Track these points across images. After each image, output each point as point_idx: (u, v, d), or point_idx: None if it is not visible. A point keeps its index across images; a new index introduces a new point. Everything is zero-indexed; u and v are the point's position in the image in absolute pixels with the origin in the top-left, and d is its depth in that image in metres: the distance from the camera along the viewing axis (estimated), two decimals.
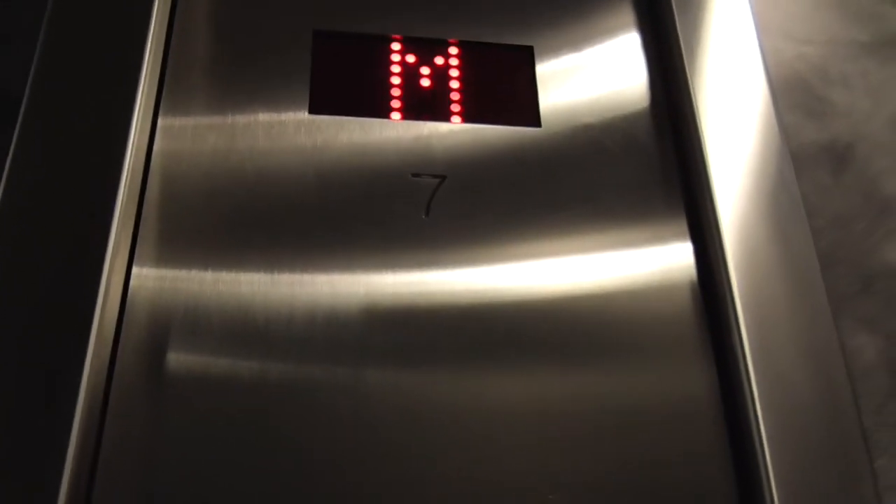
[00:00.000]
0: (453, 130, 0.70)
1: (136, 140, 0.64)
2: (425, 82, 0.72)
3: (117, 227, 0.60)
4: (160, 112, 0.67)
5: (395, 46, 0.73)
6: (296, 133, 0.68)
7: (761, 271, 0.65)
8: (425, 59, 0.73)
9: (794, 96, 0.87)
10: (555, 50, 0.75)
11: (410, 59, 0.73)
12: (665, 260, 0.67)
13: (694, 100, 0.72)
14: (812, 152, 0.85)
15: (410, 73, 0.72)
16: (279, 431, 0.57)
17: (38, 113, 0.64)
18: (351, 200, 0.66)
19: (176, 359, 0.59)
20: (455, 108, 0.71)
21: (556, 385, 0.62)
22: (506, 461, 0.59)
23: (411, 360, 0.61)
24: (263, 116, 0.69)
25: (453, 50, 0.74)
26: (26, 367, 0.55)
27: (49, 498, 0.51)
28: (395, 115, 0.70)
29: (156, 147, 0.66)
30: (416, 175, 0.68)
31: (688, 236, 0.68)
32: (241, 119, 0.68)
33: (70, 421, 0.53)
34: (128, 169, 0.62)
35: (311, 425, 0.58)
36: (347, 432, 0.58)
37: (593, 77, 0.75)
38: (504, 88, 0.74)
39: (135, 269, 0.61)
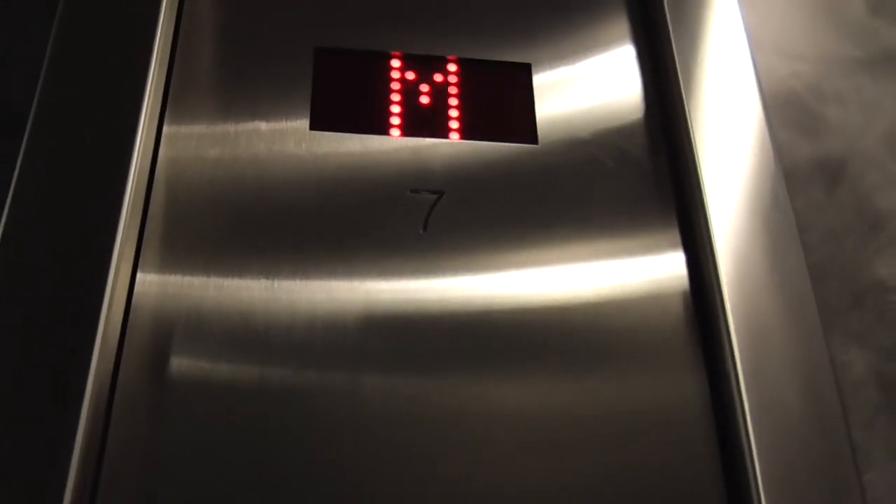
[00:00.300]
0: (452, 147, 0.71)
1: (141, 148, 0.65)
2: (424, 99, 0.73)
3: (122, 234, 0.61)
4: (165, 121, 0.69)
5: (395, 63, 0.74)
6: (297, 147, 0.69)
7: (753, 284, 0.66)
8: (425, 76, 0.74)
9: (787, 113, 0.88)
10: (552, 67, 0.76)
11: (410, 75, 0.74)
12: (658, 271, 0.68)
13: (688, 116, 0.73)
14: (805, 168, 0.86)
15: (410, 90, 0.73)
16: (279, 436, 0.58)
17: (45, 122, 0.65)
18: (350, 213, 0.67)
19: (178, 364, 0.60)
20: (454, 124, 0.72)
21: (551, 392, 0.63)
22: (502, 466, 0.60)
23: (409, 367, 0.62)
24: (266, 129, 0.70)
25: (452, 67, 0.75)
26: (32, 371, 0.56)
27: (54, 501, 0.52)
28: (395, 132, 0.71)
29: (160, 155, 0.67)
30: (414, 191, 0.69)
31: (681, 248, 0.69)
32: (244, 130, 0.69)
33: (75, 425, 0.54)
34: (133, 176, 0.63)
35: (311, 430, 0.59)
36: (346, 437, 0.59)
37: (590, 94, 0.76)
38: (502, 105, 0.75)
39: (139, 275, 0.62)
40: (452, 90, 0.74)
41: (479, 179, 0.70)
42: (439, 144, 0.71)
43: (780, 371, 0.63)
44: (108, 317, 0.58)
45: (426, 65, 0.75)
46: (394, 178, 0.69)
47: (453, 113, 0.73)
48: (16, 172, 0.62)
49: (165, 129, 0.68)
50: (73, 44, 0.68)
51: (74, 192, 0.62)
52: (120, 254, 0.60)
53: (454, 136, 0.72)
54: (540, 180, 0.71)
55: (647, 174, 0.72)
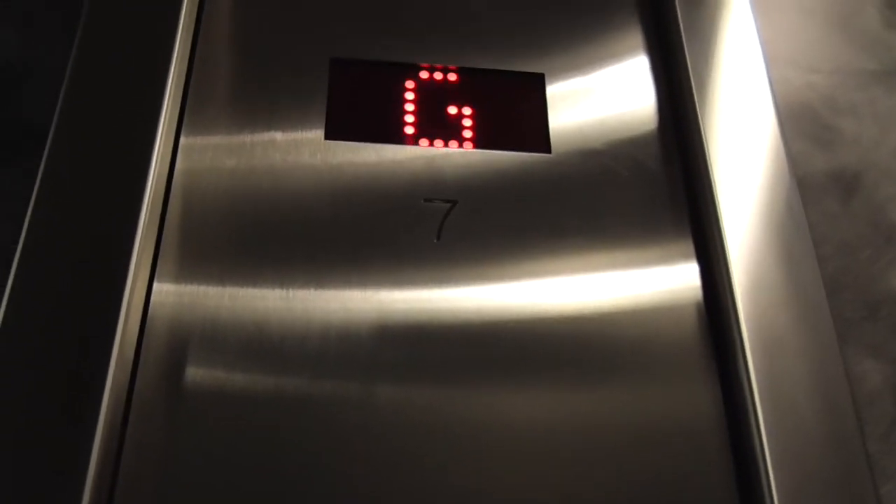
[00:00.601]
0: (465, 156, 0.72)
1: (158, 159, 0.65)
2: (438, 109, 0.74)
3: (139, 244, 0.62)
4: (182, 132, 0.69)
5: (410, 74, 0.75)
6: (312, 157, 0.70)
7: (767, 296, 0.66)
8: (438, 87, 0.75)
9: (802, 125, 0.88)
10: (565, 77, 0.76)
11: (424, 86, 0.75)
12: (672, 282, 0.68)
13: (702, 127, 0.73)
14: (820, 180, 0.86)
15: (424, 100, 0.74)
16: (293, 445, 0.58)
17: (66, 135, 0.66)
18: (364, 223, 0.67)
19: (194, 373, 0.60)
20: (467, 133, 0.73)
21: (563, 402, 0.62)
22: (514, 476, 0.59)
23: (422, 377, 0.62)
24: (281, 139, 0.70)
25: (466, 77, 0.76)
26: (49, 379, 0.56)
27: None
28: (409, 141, 0.72)
29: (177, 166, 0.68)
30: (427, 200, 0.69)
31: (695, 259, 0.69)
32: (260, 140, 0.70)
33: (92, 433, 0.54)
34: (150, 187, 0.64)
35: (325, 439, 0.59)
36: (359, 446, 0.59)
37: (603, 104, 0.76)
38: (515, 115, 0.75)
39: (156, 285, 0.63)
40: (466, 100, 0.74)
41: (492, 189, 0.70)
42: (453, 154, 0.72)
43: (794, 383, 0.63)
44: (125, 326, 0.59)
45: (440, 75, 0.76)
46: (407, 187, 0.70)
47: (467, 122, 0.73)
48: (36, 184, 0.63)
49: (182, 140, 0.69)
50: (94, 57, 0.69)
51: (93, 202, 0.63)
52: (137, 264, 0.61)
53: (468, 146, 0.72)
54: (553, 190, 0.71)
55: (661, 185, 0.72)
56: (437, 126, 0.73)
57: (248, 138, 0.70)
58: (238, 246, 0.65)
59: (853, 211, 0.84)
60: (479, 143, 0.72)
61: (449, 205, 0.69)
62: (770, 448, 0.60)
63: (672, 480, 0.61)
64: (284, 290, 0.64)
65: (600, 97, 0.76)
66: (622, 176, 0.72)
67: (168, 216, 0.66)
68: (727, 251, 0.67)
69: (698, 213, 0.71)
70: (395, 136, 0.72)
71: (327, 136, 0.71)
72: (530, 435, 0.61)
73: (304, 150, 0.70)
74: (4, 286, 0.59)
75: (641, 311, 0.66)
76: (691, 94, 0.74)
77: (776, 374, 0.63)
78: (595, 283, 0.67)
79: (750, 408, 0.61)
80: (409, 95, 0.74)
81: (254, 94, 0.72)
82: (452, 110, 0.74)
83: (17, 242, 0.61)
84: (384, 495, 0.58)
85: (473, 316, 0.65)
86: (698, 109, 0.74)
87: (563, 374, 0.63)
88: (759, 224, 0.69)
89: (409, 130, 0.72)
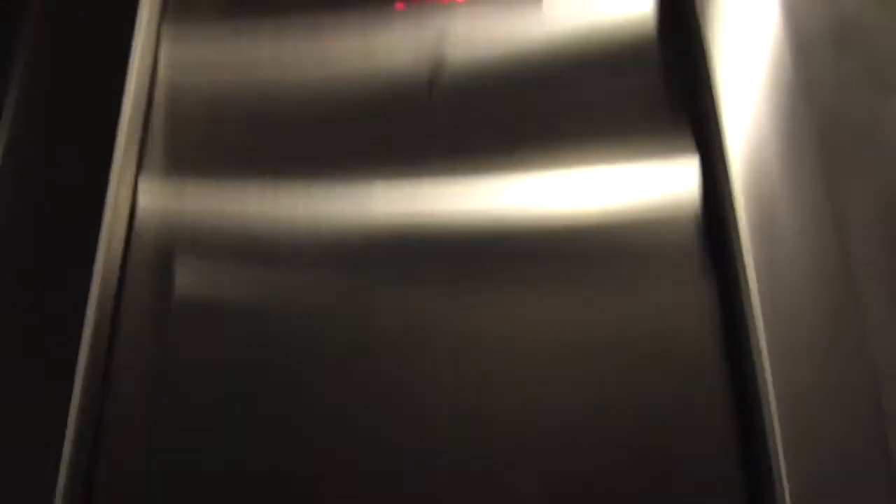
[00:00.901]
0: (456, 16, 0.67)
1: (140, 48, 0.64)
2: None
3: (124, 141, 0.61)
4: (164, 20, 0.67)
5: None
6: (301, 37, 0.67)
7: (768, 190, 0.61)
8: None
9: None
10: None
11: None
12: (669, 177, 0.64)
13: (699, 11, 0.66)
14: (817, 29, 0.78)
15: None
16: (281, 352, 0.59)
17: (48, 29, 0.65)
18: (353, 110, 0.65)
19: (181, 283, 0.61)
20: None
21: (557, 305, 0.61)
22: (506, 383, 0.59)
23: (411, 278, 0.61)
24: (268, 21, 0.67)
25: None
26: (37, 291, 0.58)
27: (59, 414, 0.55)
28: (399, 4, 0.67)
29: (161, 57, 0.66)
30: (421, 72, 0.65)
31: (694, 151, 0.64)
32: (246, 27, 0.67)
33: (78, 341, 0.57)
34: (132, 79, 0.63)
35: (314, 344, 0.59)
36: (350, 350, 0.59)
37: None
38: None
39: (141, 184, 0.63)
40: None
41: (483, 50, 0.66)
42: (443, 12, 0.66)
43: (794, 282, 0.59)
44: (110, 232, 0.60)
45: None
46: (398, 54, 0.66)
47: None
48: (20, 77, 0.63)
49: (164, 27, 0.67)
50: None
51: (77, 101, 0.63)
52: (123, 163, 0.61)
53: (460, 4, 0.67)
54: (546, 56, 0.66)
55: (659, 70, 0.66)
56: None
57: (234, 24, 0.67)
58: (226, 138, 0.64)
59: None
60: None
61: (437, 66, 0.65)
62: (769, 347, 0.56)
63: (667, 381, 0.59)
64: (274, 186, 0.63)
65: None
66: (619, 57, 0.67)
67: (153, 111, 0.65)
68: (725, 141, 0.62)
69: (697, 101, 0.64)
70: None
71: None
72: (522, 339, 0.60)
73: (292, 29, 0.67)
74: None
75: (638, 207, 0.62)
76: None
77: (776, 273, 0.59)
78: (590, 177, 0.63)
79: (748, 309, 0.58)
80: None
81: None
82: None
83: None
84: (374, 396, 0.59)
85: (465, 213, 0.63)
86: None
87: (557, 274, 0.61)
88: (760, 112, 0.62)
89: None
